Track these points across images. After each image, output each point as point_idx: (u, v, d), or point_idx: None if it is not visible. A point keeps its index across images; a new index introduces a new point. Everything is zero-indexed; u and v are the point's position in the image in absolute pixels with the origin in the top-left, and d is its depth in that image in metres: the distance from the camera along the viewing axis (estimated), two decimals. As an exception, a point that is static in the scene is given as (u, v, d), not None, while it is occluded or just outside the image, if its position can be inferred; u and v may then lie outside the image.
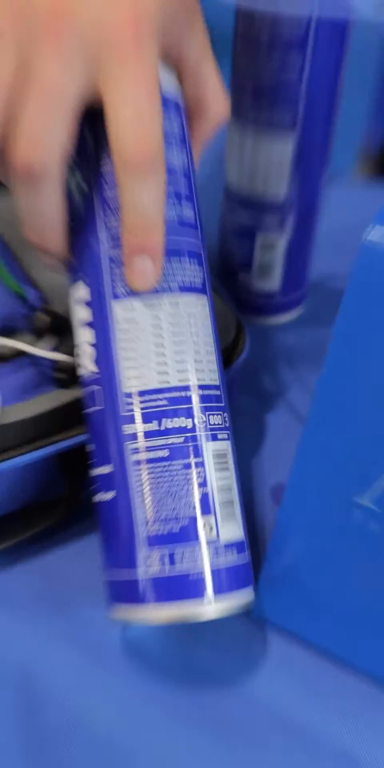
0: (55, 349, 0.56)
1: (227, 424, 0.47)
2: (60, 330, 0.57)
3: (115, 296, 0.46)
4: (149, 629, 0.49)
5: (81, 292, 0.47)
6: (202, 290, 0.47)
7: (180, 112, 0.47)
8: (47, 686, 0.47)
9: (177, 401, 0.46)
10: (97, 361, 0.46)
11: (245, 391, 0.67)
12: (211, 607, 0.46)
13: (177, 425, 0.46)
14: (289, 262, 0.69)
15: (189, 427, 0.46)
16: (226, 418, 0.47)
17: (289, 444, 0.60)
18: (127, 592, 0.47)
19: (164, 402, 0.46)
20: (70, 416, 0.53)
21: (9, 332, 0.56)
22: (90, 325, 0.47)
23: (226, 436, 0.47)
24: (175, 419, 0.46)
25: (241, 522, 0.47)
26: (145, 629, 0.49)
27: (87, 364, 0.47)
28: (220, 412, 0.47)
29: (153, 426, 0.46)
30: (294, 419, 0.62)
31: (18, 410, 0.51)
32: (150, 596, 0.46)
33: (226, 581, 0.46)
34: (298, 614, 0.48)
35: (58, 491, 0.54)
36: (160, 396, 0.46)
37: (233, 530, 0.46)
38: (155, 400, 0.46)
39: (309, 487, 0.47)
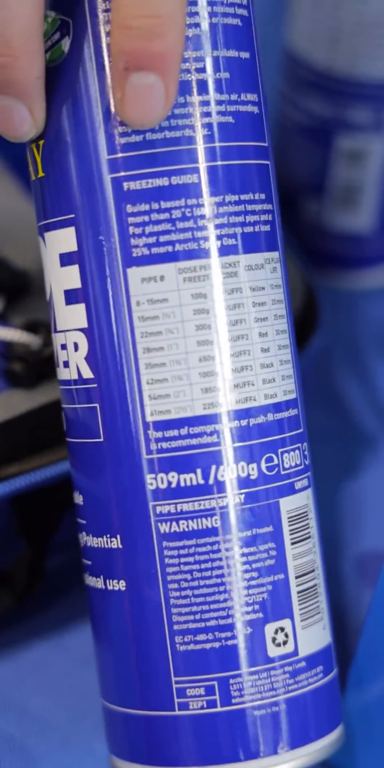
0: (4, 318, 0.37)
1: (307, 462, 0.32)
2: (11, 286, 0.38)
3: (131, 259, 0.29)
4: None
5: (65, 240, 0.30)
6: (271, 240, 0.31)
7: None
8: None
9: (235, 435, 0.30)
10: (95, 363, 0.30)
11: (316, 399, 0.45)
12: (285, 763, 0.30)
13: (234, 475, 0.30)
14: None
15: (253, 477, 0.29)
16: (306, 451, 0.32)
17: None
18: (145, 742, 0.31)
19: (214, 438, 0.29)
20: (32, 435, 0.35)
21: None
22: (82, 299, 0.30)
23: (306, 482, 0.31)
24: (232, 465, 0.30)
25: (327, 619, 0.32)
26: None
27: (75, 364, 0.30)
28: (298, 445, 0.31)
29: (195, 478, 0.29)
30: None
31: None
32: (189, 753, 0.30)
33: (308, 720, 0.31)
34: None
35: (10, 557, 0.36)
36: (208, 428, 0.29)
37: (318, 635, 0.31)
38: (200, 434, 0.29)
39: None
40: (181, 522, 0.29)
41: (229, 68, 0.29)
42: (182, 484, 0.29)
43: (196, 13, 0.29)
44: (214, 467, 0.29)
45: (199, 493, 0.29)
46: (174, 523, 0.29)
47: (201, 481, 0.29)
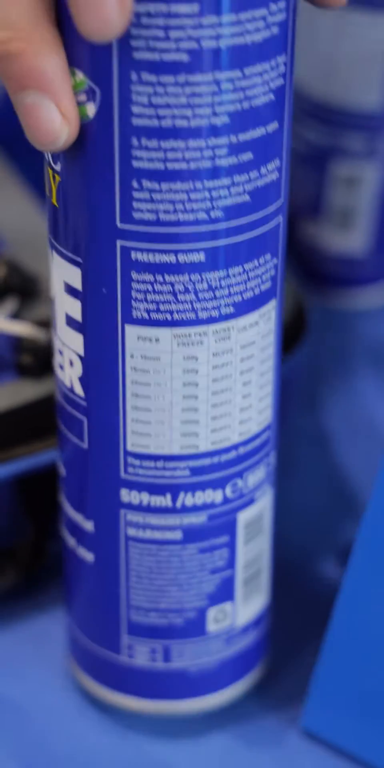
0: (16, 316, 0.40)
1: (271, 466, 0.34)
2: (23, 290, 0.41)
3: (130, 318, 0.30)
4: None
5: (72, 275, 0.31)
6: (271, 291, 0.31)
7: None
8: None
9: (205, 470, 0.32)
10: (87, 388, 0.32)
11: (306, 404, 0.49)
12: (212, 700, 0.35)
13: (200, 501, 0.32)
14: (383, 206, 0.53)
15: (218, 502, 0.32)
16: (271, 459, 0.34)
17: (369, 485, 0.44)
18: (101, 672, 0.36)
19: (186, 472, 0.32)
20: (38, 421, 0.37)
21: None
22: (81, 332, 0.31)
23: (266, 488, 0.34)
24: (199, 493, 0.32)
25: (267, 586, 0.36)
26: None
27: (70, 377, 0.32)
28: (266, 459, 0.34)
29: (164, 501, 0.32)
30: (380, 450, 0.47)
31: None
32: (133, 687, 0.36)
33: (237, 669, 0.36)
34: (369, 735, 0.36)
35: (15, 536, 0.39)
36: (180, 464, 0.32)
37: (255, 604, 0.36)
38: (173, 468, 0.32)
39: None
40: (147, 530, 0.32)
41: (252, 148, 0.29)
42: (152, 504, 0.32)
43: (221, 102, 0.28)
44: (182, 494, 0.32)
45: (167, 512, 0.32)
46: (141, 530, 0.32)
47: (169, 504, 0.32)
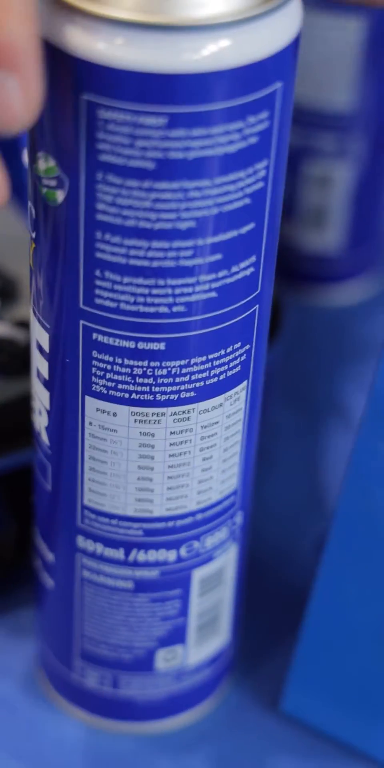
0: None
1: (236, 526, 0.35)
2: (3, 291, 0.41)
3: (90, 390, 0.31)
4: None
5: (42, 338, 0.31)
6: (239, 377, 0.31)
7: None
8: None
9: (159, 533, 0.33)
10: (51, 440, 0.33)
11: (282, 401, 0.50)
12: (160, 726, 0.37)
13: (152, 558, 0.33)
14: (356, 205, 0.53)
15: (171, 560, 0.33)
16: (237, 519, 0.35)
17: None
18: (58, 682, 0.38)
19: (139, 532, 0.32)
20: (19, 420, 0.38)
21: None
22: (47, 389, 0.32)
23: (229, 546, 0.35)
24: (151, 551, 0.33)
25: (227, 627, 0.37)
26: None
27: (39, 425, 0.33)
28: (229, 521, 0.34)
29: (117, 554, 0.33)
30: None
31: None
32: (85, 703, 0.37)
33: (188, 701, 0.38)
34: (346, 717, 0.37)
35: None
36: (134, 525, 0.33)
37: (211, 646, 0.37)
38: (127, 527, 0.32)
39: (359, 537, 0.34)
40: (100, 576, 0.33)
41: (221, 250, 0.28)
42: (106, 554, 0.33)
43: (188, 209, 0.27)
44: (135, 551, 0.33)
45: (119, 563, 0.33)
46: (94, 575, 0.33)
47: (122, 558, 0.33)
